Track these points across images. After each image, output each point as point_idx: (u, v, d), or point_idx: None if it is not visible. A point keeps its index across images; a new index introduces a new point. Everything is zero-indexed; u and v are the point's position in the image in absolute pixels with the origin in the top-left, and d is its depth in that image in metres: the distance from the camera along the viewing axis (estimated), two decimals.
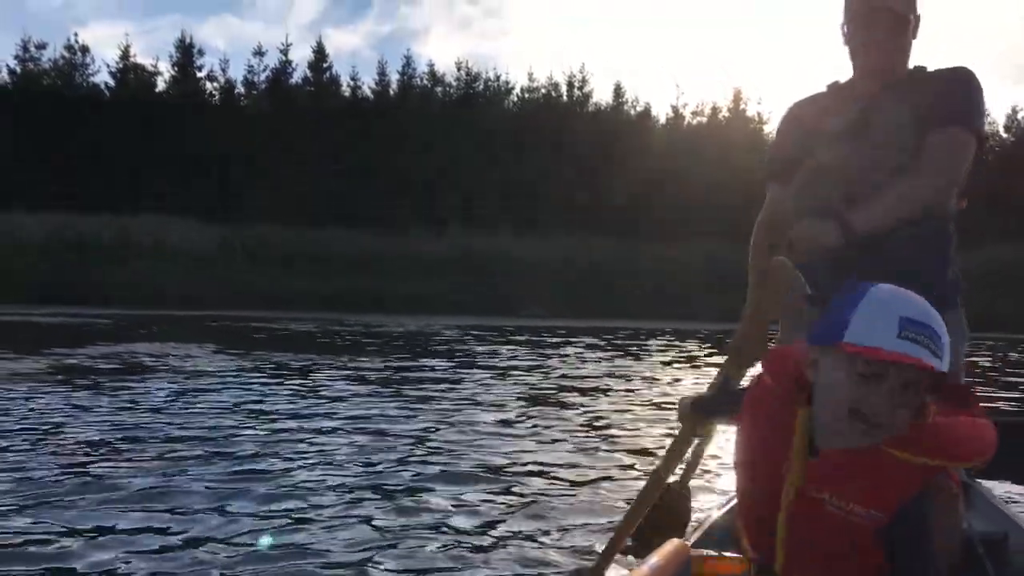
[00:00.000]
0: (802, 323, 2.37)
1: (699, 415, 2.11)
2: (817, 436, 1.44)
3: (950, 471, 1.45)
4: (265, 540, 3.26)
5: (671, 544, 2.09)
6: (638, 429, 6.46)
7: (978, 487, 3.16)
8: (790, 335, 2.46)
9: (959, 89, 2.35)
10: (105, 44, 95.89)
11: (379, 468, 4.82)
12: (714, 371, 2.40)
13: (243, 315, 22.26)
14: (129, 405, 7.09)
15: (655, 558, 2.00)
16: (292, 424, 6.27)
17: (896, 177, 2.23)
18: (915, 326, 1.35)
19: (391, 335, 18.32)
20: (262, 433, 5.86)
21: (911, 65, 2.44)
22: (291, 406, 7.26)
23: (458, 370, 10.89)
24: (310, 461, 4.94)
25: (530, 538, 3.44)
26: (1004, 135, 45.64)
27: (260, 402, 7.50)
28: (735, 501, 2.48)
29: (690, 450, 2.34)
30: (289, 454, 5.09)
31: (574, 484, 4.51)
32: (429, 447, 5.50)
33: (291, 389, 8.48)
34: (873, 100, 2.37)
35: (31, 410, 6.72)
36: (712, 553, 2.06)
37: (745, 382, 2.13)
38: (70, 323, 18.61)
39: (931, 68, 2.43)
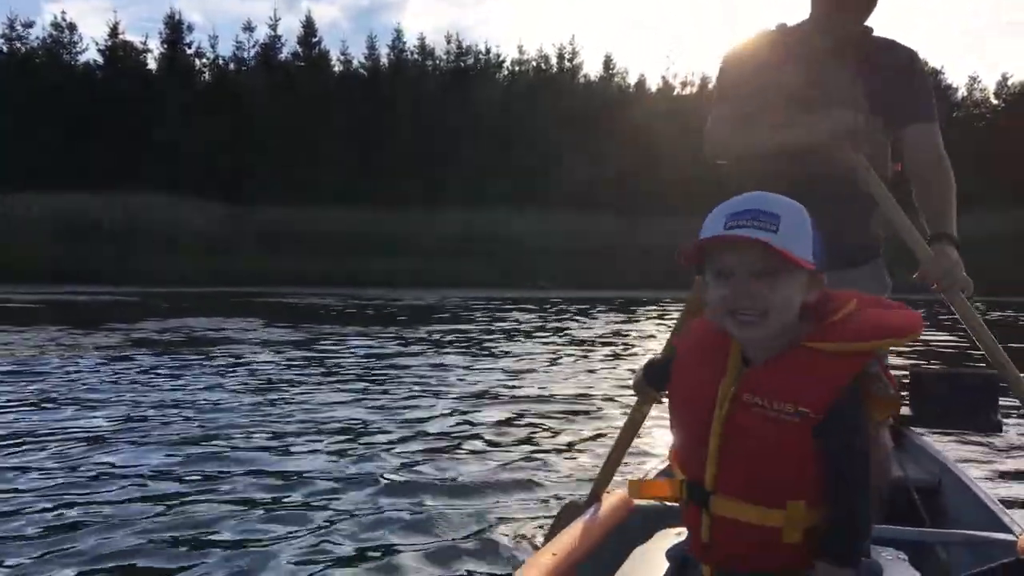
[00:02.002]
0: None
1: (648, 385, 2.06)
2: (747, 352, 1.44)
3: (882, 367, 1.43)
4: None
5: (613, 496, 2.20)
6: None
7: (912, 435, 3.27)
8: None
9: (923, 84, 2.47)
10: (81, 19, 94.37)
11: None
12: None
13: (263, 291, 22.60)
14: (219, 373, 7.57)
15: (596, 511, 2.11)
16: (369, 385, 6.79)
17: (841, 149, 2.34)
18: (740, 215, 1.37)
19: (417, 307, 18.76)
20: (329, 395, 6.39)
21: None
22: (369, 368, 7.76)
23: (486, 336, 11.41)
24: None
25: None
26: (995, 101, 45.96)
27: (323, 368, 7.98)
28: None
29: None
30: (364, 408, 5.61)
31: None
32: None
33: (357, 353, 8.98)
34: (825, 66, 2.41)
35: (125, 378, 7.18)
36: (655, 503, 2.07)
37: None
38: (101, 301, 18.94)
39: (877, 33, 2.48)
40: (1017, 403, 2.21)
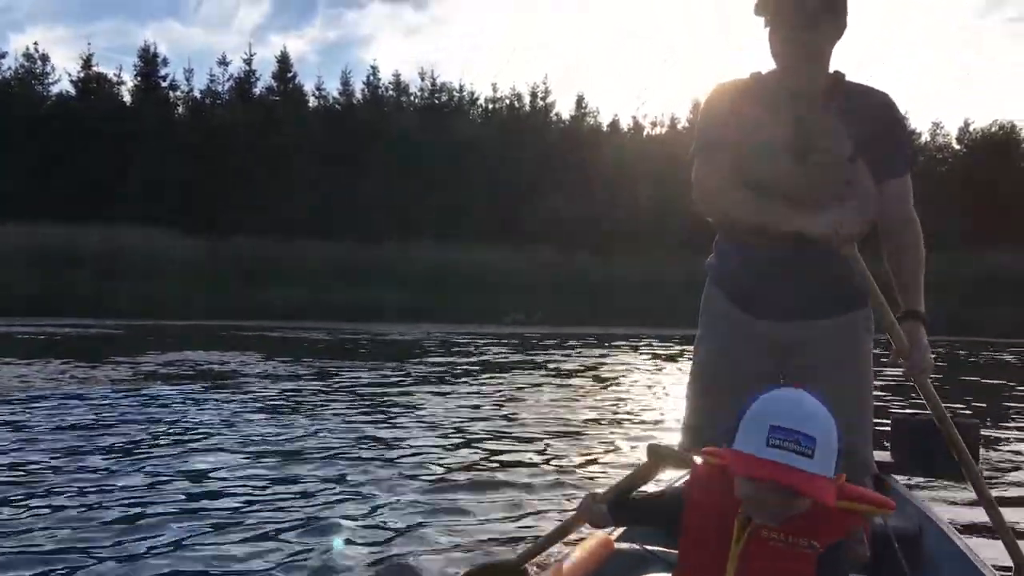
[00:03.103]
0: (723, 323, 2.60)
1: (611, 520, 1.91)
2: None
3: (865, 526, 1.65)
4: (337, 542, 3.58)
5: (595, 538, 2.19)
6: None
7: (893, 482, 3.26)
8: (710, 332, 2.63)
9: (904, 136, 2.54)
10: (46, 49, 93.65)
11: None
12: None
13: (248, 324, 22.73)
14: (227, 406, 7.89)
15: (578, 551, 2.08)
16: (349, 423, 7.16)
17: (835, 198, 2.34)
18: (783, 433, 1.48)
19: (404, 341, 19.06)
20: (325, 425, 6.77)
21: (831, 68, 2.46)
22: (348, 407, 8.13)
23: (478, 370, 11.82)
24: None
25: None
26: (956, 147, 47.29)
27: (320, 403, 8.34)
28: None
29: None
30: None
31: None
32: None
33: (339, 390, 9.33)
34: (808, 114, 2.40)
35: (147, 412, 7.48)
36: (635, 546, 2.11)
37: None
38: (91, 334, 18.97)
39: (849, 78, 2.48)
40: (997, 450, 2.49)
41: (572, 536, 2.07)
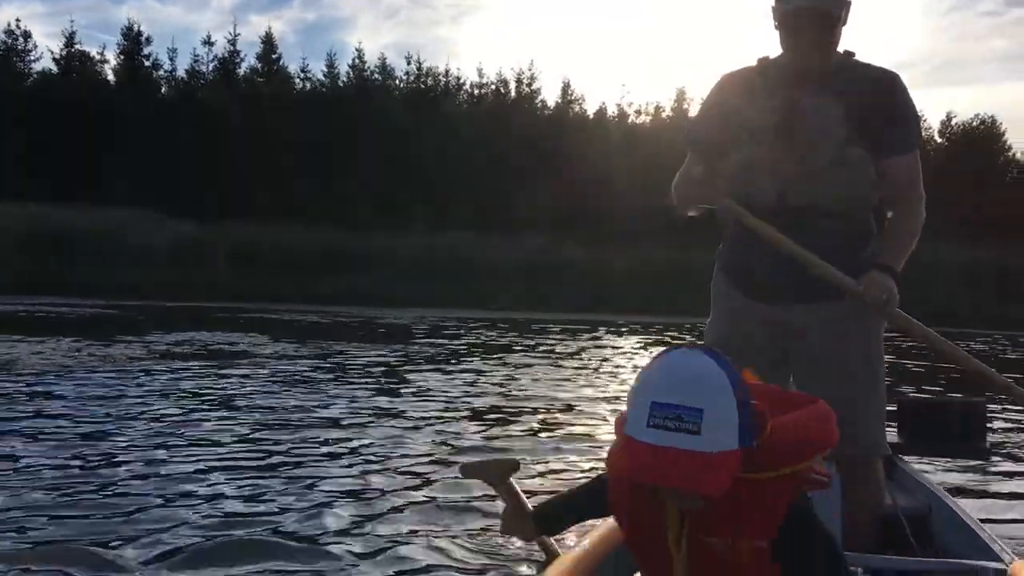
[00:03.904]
0: (726, 308, 2.62)
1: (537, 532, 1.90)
2: None
3: (814, 467, 1.42)
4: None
5: (605, 525, 2.10)
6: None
7: (901, 464, 3.25)
8: (716, 317, 2.65)
9: (909, 114, 2.50)
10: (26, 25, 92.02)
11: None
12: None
13: (245, 306, 22.83)
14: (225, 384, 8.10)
15: (587, 541, 2.05)
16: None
17: (826, 174, 2.37)
18: (663, 409, 1.29)
19: (401, 324, 19.24)
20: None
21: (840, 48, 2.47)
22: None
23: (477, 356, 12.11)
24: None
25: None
26: (939, 140, 47.64)
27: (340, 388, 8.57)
28: None
29: None
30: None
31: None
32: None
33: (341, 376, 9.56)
34: (803, 96, 2.40)
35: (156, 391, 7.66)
36: None
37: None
38: (89, 313, 19.01)
39: (858, 57, 2.49)
40: (1004, 428, 2.56)
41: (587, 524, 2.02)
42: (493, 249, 36.62)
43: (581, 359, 12.52)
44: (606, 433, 6.18)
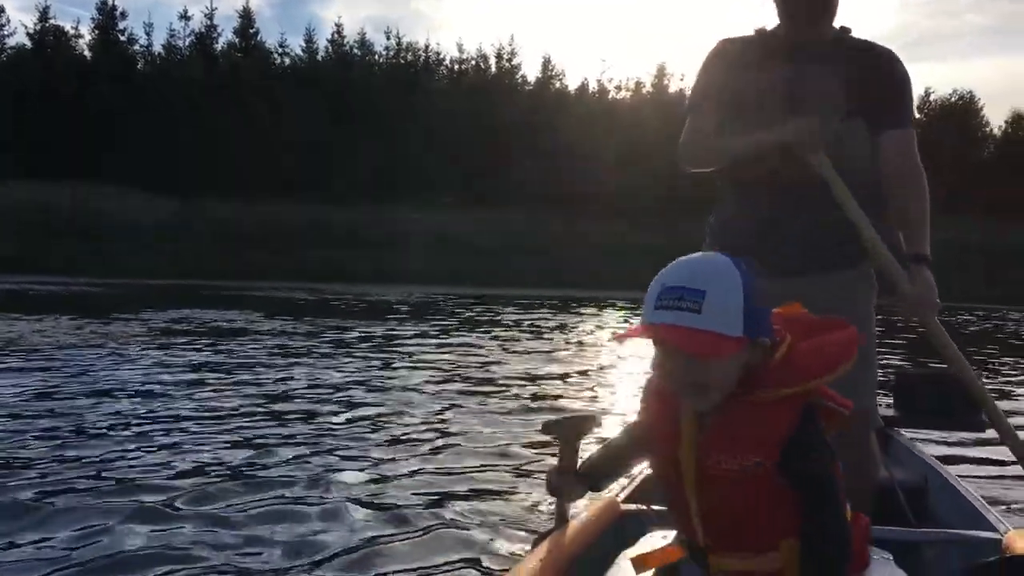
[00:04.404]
0: None
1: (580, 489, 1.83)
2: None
3: (824, 393, 1.45)
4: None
5: (602, 500, 2.12)
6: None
7: (897, 436, 3.25)
8: None
9: (906, 89, 2.46)
10: None
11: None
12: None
13: (233, 284, 22.89)
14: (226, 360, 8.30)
15: (585, 514, 2.03)
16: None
17: (831, 147, 2.32)
18: (668, 292, 1.36)
19: (388, 301, 19.40)
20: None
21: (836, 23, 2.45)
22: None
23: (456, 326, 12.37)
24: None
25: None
26: (918, 116, 48.37)
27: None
28: None
29: None
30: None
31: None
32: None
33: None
34: (802, 70, 2.39)
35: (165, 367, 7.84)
36: (642, 507, 2.05)
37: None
38: (81, 291, 19.00)
39: (854, 34, 2.46)
40: (999, 400, 2.47)
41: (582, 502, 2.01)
42: (477, 224, 36.76)
43: (564, 333, 12.88)
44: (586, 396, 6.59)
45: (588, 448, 1.75)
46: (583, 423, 1.95)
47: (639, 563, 1.57)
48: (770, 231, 2.38)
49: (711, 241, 2.57)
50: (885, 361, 8.95)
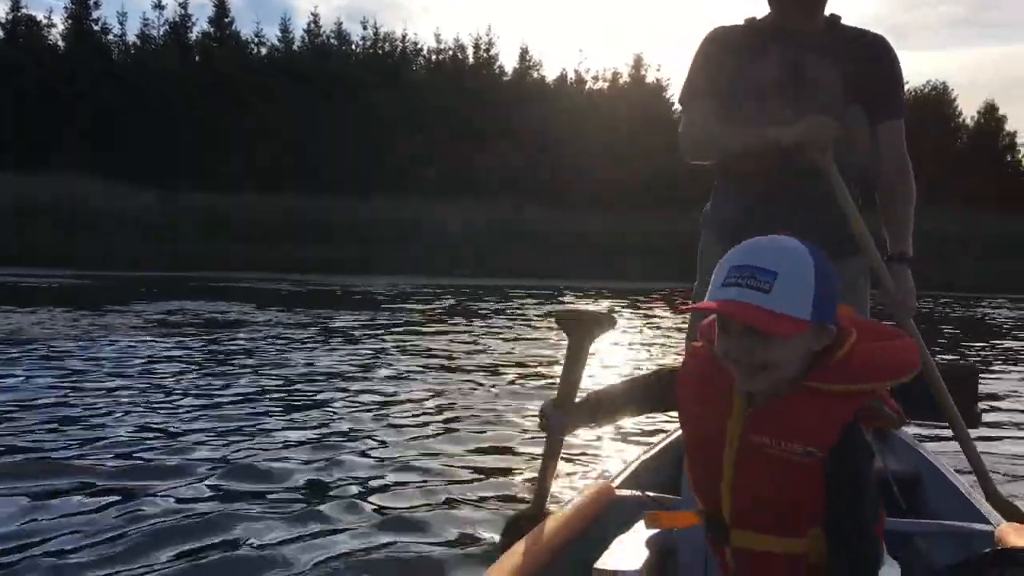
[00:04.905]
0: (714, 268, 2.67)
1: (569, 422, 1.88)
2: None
3: (883, 396, 1.43)
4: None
5: (596, 485, 2.16)
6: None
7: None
8: (703, 281, 2.44)
9: (900, 79, 2.47)
10: None
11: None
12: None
13: (219, 275, 22.88)
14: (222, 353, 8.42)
15: (579, 498, 2.06)
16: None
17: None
18: (738, 270, 1.35)
19: (374, 292, 19.50)
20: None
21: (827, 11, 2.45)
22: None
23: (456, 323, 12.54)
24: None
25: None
26: None
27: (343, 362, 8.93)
28: (660, 445, 2.67)
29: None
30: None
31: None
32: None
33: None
34: (801, 59, 2.37)
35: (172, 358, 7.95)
36: (636, 493, 2.05)
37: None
38: (70, 283, 18.95)
39: (845, 22, 2.46)
40: (994, 393, 2.51)
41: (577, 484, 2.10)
42: (457, 214, 36.77)
43: (549, 320, 13.00)
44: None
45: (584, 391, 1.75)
46: (597, 319, 1.92)
47: (652, 520, 1.59)
48: (767, 223, 2.31)
49: (706, 229, 2.60)
50: None
